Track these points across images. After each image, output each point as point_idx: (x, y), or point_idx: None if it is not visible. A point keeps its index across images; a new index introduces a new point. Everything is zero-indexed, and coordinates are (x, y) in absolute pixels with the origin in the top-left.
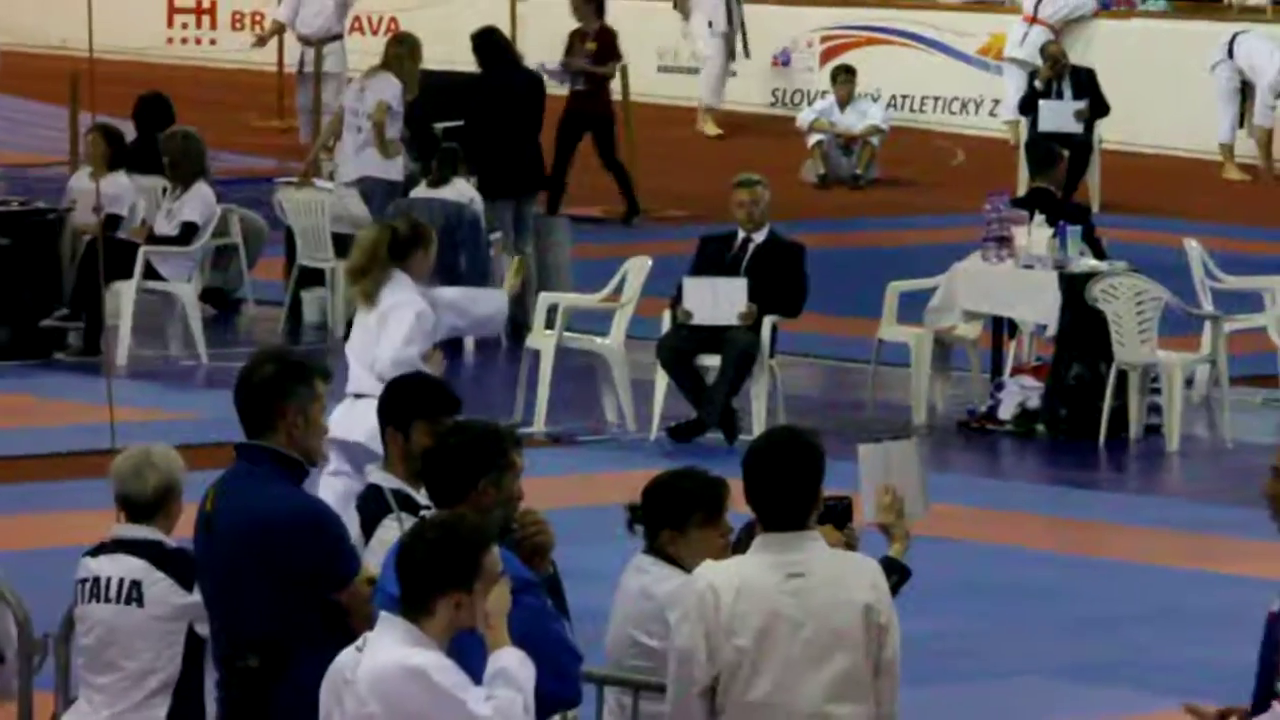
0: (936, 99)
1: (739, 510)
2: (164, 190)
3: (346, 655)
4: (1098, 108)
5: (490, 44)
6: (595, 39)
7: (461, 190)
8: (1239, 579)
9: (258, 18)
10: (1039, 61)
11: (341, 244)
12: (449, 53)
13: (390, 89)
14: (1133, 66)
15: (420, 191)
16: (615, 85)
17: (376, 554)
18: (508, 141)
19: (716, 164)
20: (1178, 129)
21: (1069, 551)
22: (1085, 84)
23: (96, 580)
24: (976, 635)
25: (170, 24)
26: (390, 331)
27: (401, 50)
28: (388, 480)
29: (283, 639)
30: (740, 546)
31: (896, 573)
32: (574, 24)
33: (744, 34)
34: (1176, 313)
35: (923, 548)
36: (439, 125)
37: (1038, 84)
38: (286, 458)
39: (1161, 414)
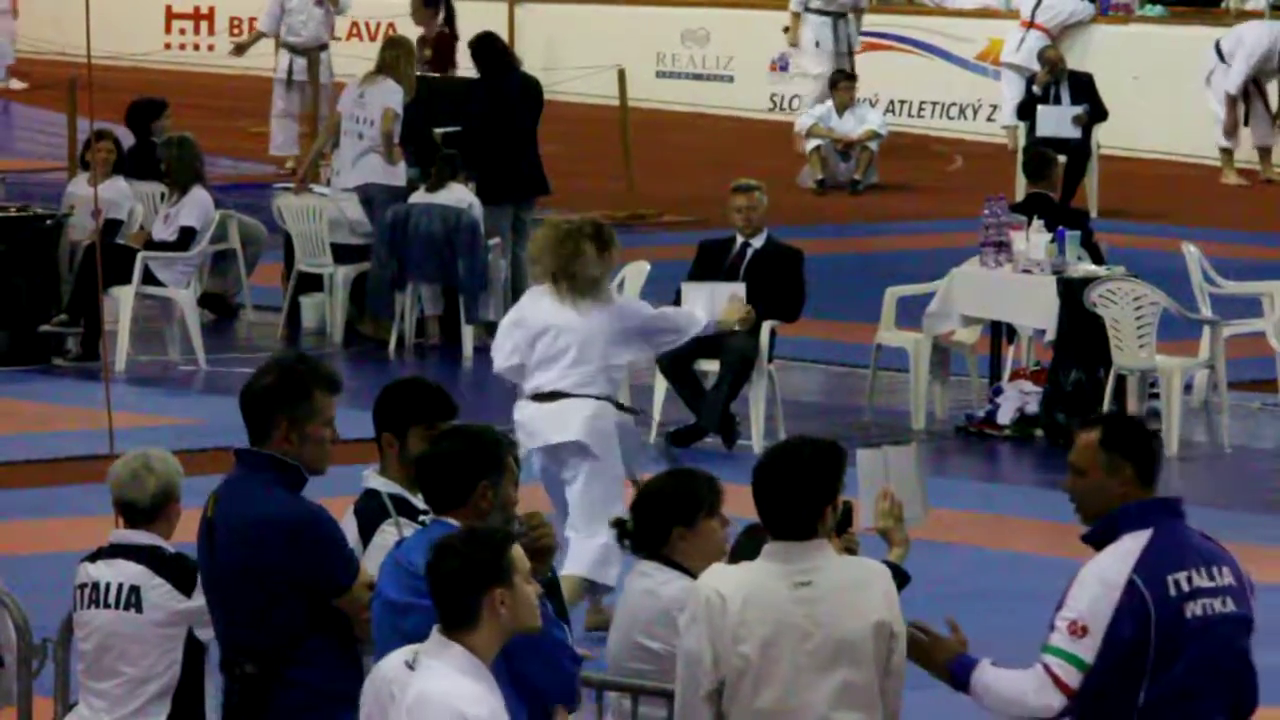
0: (935, 104)
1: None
2: (161, 195)
3: (395, 668)
4: (1096, 113)
5: (488, 49)
6: (433, 45)
7: (460, 196)
8: None
9: (256, 24)
10: (1036, 67)
11: (339, 251)
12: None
13: (393, 95)
14: (1130, 71)
15: (418, 197)
16: (612, 89)
17: (374, 559)
18: (506, 146)
19: (714, 169)
20: (1176, 134)
21: (1068, 556)
22: (1083, 89)
23: (95, 585)
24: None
25: (168, 30)
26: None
27: (398, 54)
28: (385, 485)
29: (281, 645)
30: (738, 549)
31: (897, 578)
32: (569, 28)
33: (851, 54)
34: (1175, 318)
35: (922, 552)
36: (438, 130)
37: (1035, 89)
38: (285, 464)
39: (1160, 419)
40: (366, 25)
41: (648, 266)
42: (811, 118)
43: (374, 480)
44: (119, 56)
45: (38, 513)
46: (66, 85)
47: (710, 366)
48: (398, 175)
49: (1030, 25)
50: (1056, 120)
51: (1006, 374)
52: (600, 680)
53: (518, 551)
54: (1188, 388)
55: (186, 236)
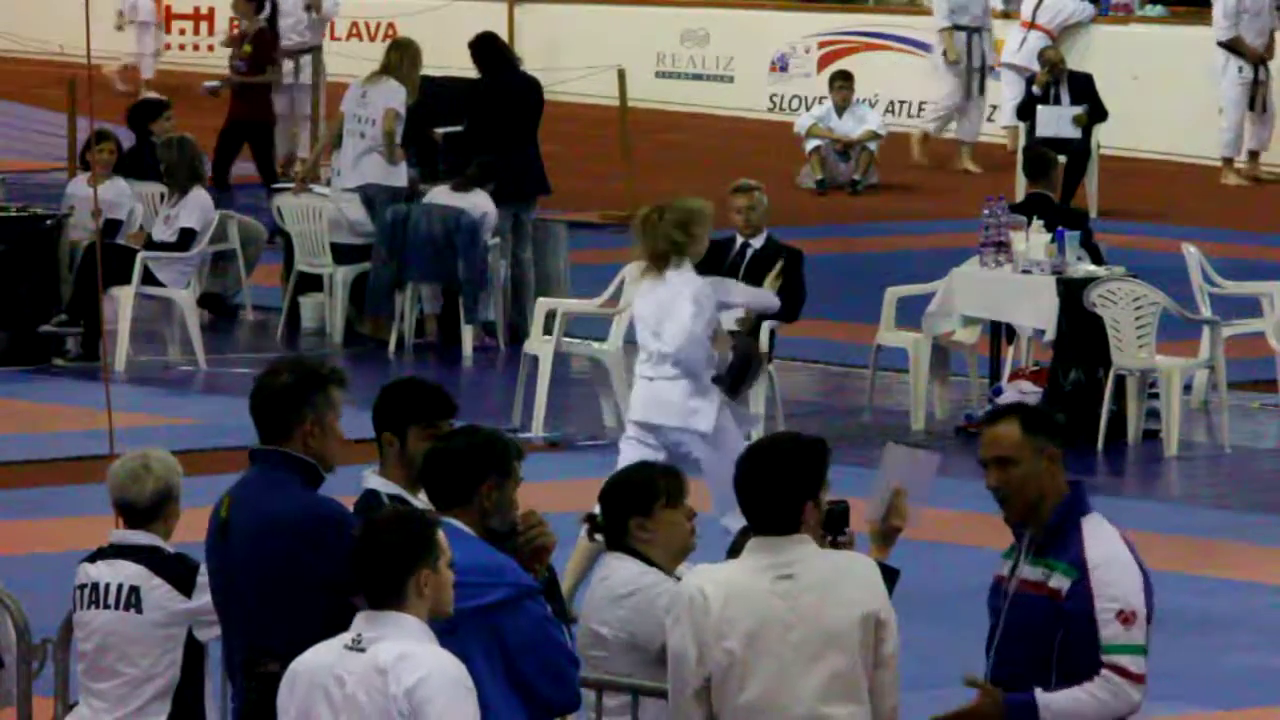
0: (934, 104)
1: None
2: (160, 196)
3: (333, 654)
4: (1095, 113)
5: (489, 49)
6: (252, 42)
7: (477, 201)
8: (1237, 583)
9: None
10: (1037, 67)
11: (339, 251)
12: (446, 58)
13: (396, 96)
14: (1130, 71)
15: (440, 194)
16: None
17: None
18: (507, 146)
19: (714, 169)
20: (1176, 134)
21: None
22: (1083, 89)
23: (95, 586)
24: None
25: (168, 30)
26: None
27: (402, 55)
28: (385, 485)
29: (302, 642)
30: (735, 550)
31: (887, 577)
32: (569, 28)
33: (983, 68)
34: (1175, 318)
35: (919, 553)
36: (439, 130)
37: (1035, 89)
38: (302, 462)
39: (1160, 419)
40: (366, 25)
41: None
42: (811, 118)
43: (374, 480)
44: (119, 56)
45: (37, 513)
46: (67, 85)
47: None
48: (398, 175)
49: (1031, 25)
50: (1056, 120)
51: (1006, 374)
52: (597, 680)
53: (443, 536)
54: (1187, 388)
55: (186, 237)
